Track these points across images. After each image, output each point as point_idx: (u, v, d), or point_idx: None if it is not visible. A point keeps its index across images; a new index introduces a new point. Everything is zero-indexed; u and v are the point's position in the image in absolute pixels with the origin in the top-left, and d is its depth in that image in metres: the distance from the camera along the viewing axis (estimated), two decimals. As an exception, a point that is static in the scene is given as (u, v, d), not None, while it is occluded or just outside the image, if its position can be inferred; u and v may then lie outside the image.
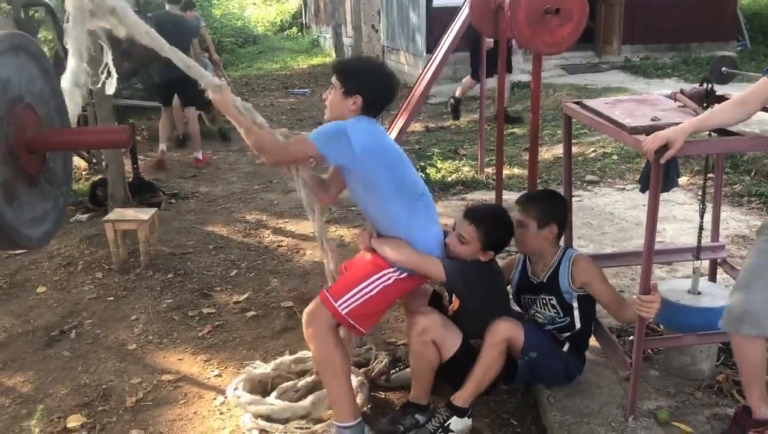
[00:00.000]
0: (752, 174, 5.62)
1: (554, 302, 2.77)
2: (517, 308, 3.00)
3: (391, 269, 2.65)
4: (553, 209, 2.77)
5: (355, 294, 2.60)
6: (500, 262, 2.98)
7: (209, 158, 7.88)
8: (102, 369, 3.45)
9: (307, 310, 2.67)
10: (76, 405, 3.13)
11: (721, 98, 2.83)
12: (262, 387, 3.06)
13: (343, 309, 2.58)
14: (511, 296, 2.99)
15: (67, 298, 4.28)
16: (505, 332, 2.65)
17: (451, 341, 2.69)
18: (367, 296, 2.61)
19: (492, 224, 2.69)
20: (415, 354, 2.71)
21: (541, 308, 2.82)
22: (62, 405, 3.14)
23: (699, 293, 2.84)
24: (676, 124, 2.53)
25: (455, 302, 2.76)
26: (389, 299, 2.72)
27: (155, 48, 2.46)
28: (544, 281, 2.79)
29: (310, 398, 2.86)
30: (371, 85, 2.63)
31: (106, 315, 4.02)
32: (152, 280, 4.47)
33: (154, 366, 3.45)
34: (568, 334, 2.80)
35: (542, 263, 2.81)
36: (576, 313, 2.75)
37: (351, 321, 2.59)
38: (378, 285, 2.62)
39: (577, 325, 2.77)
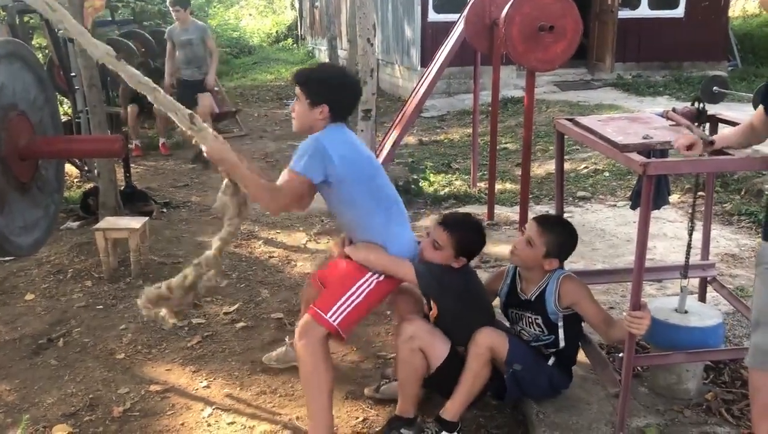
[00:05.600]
0: (742, 193, 5.66)
1: (540, 321, 2.77)
2: (506, 322, 3.00)
3: (371, 273, 2.70)
4: (564, 245, 2.78)
5: (343, 304, 2.64)
6: (490, 273, 2.99)
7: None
8: (89, 378, 3.42)
9: (299, 325, 2.69)
10: (62, 415, 3.10)
11: (712, 117, 2.87)
12: None
13: (334, 320, 2.61)
14: (499, 309, 2.99)
15: (55, 306, 4.25)
16: (487, 340, 2.65)
17: (439, 348, 2.69)
18: (354, 304, 2.66)
19: (466, 232, 2.74)
20: (402, 363, 2.71)
21: (526, 325, 2.83)
22: (48, 415, 3.11)
23: (686, 312, 2.85)
24: (668, 142, 2.56)
25: (434, 308, 2.77)
26: (372, 303, 2.76)
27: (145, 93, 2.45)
28: (532, 300, 2.79)
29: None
30: (336, 93, 2.66)
31: (94, 324, 4.00)
32: (142, 289, 4.44)
33: (142, 376, 3.43)
34: (553, 350, 2.80)
35: (532, 281, 2.81)
36: (560, 332, 2.76)
37: (340, 331, 2.64)
38: (363, 291, 2.68)
39: (561, 344, 2.77)
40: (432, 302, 2.80)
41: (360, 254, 2.72)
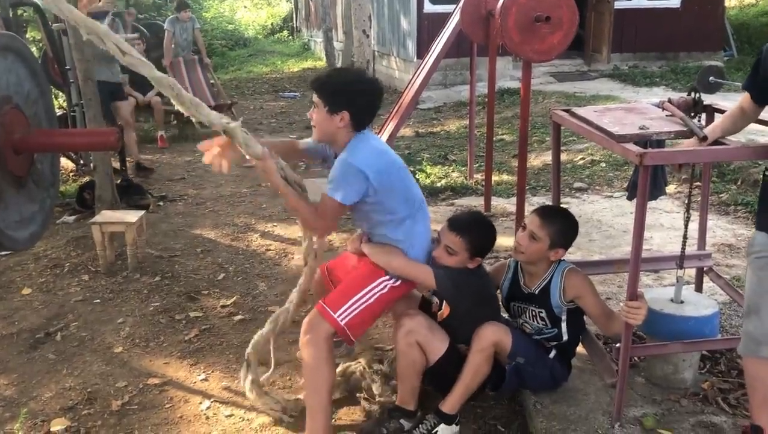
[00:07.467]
0: (738, 183, 5.66)
1: (543, 314, 2.77)
2: (506, 315, 3.00)
3: (386, 277, 2.67)
4: (567, 234, 2.76)
5: (352, 304, 2.62)
6: (490, 267, 2.99)
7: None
8: (87, 372, 3.42)
9: (305, 320, 2.68)
10: (60, 409, 3.11)
11: (708, 107, 2.87)
12: None
13: (342, 319, 2.60)
14: (501, 303, 2.99)
15: (52, 300, 4.24)
16: (492, 337, 2.65)
17: (437, 344, 2.69)
18: (364, 305, 2.63)
19: (477, 231, 2.73)
20: (400, 356, 2.71)
21: (529, 319, 2.83)
22: (46, 409, 3.11)
23: (682, 302, 2.85)
24: (664, 132, 2.56)
25: (445, 309, 2.77)
26: (383, 307, 2.74)
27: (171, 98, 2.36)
28: (536, 293, 2.79)
29: None
30: (356, 99, 2.53)
31: (92, 318, 3.99)
32: (139, 283, 4.44)
33: (140, 370, 3.43)
34: (555, 343, 2.81)
35: (535, 274, 2.80)
36: (563, 325, 2.76)
37: (348, 331, 2.62)
38: (375, 294, 2.65)
39: (564, 337, 2.78)
40: (444, 303, 2.79)
41: (380, 257, 2.68)
